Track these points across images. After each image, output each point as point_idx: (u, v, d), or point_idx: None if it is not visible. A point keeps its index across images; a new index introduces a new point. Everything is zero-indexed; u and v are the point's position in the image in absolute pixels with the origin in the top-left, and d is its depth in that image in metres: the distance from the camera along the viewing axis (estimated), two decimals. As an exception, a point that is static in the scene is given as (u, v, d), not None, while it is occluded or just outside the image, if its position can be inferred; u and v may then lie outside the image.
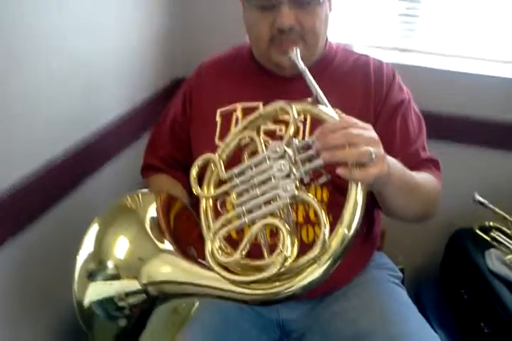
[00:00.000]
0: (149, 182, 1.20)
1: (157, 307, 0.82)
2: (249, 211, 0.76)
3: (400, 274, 1.19)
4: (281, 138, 0.99)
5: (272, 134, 1.02)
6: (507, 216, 1.39)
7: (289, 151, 0.75)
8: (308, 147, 0.75)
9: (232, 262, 0.73)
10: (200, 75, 1.17)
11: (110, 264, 0.80)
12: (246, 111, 1.06)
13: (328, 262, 0.69)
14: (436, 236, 1.56)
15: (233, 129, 0.85)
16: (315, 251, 0.69)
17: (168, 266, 0.81)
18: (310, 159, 0.74)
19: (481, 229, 1.42)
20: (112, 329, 0.81)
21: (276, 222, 0.72)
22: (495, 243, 1.38)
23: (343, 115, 0.78)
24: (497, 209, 1.40)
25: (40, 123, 1.04)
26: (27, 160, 1.02)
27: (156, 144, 1.21)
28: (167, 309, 0.85)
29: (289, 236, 0.70)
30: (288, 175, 0.73)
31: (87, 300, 0.78)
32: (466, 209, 1.44)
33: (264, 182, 0.76)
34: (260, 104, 1.06)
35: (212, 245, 0.75)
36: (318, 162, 0.72)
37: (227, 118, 1.07)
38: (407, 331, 0.97)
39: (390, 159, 0.80)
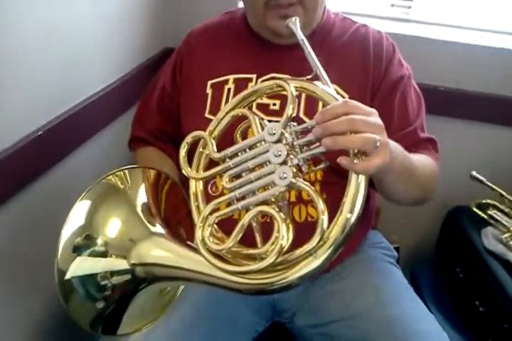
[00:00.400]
0: (137, 155, 1.16)
1: (141, 290, 0.79)
2: (242, 196, 0.71)
3: (395, 253, 1.17)
4: (274, 112, 0.97)
5: (264, 109, 0.98)
6: (504, 193, 1.36)
7: (287, 135, 0.69)
8: (307, 131, 0.69)
9: (224, 250, 0.69)
10: (190, 43, 1.11)
11: (100, 241, 0.78)
12: (238, 83, 1.01)
13: (328, 252, 0.65)
14: (432, 214, 1.53)
15: (225, 106, 0.79)
16: (313, 242, 0.64)
17: (160, 249, 0.79)
18: (309, 144, 0.68)
19: (478, 207, 1.38)
20: (89, 310, 0.78)
21: (270, 210, 0.67)
22: (492, 221, 1.35)
23: (347, 98, 0.73)
24: (494, 186, 1.36)
25: (20, 95, 0.99)
26: (8, 133, 0.98)
27: (144, 116, 1.17)
28: (153, 291, 0.82)
29: (284, 224, 0.65)
30: (285, 162, 0.68)
31: (69, 274, 0.76)
32: (463, 187, 1.40)
33: (258, 166, 0.70)
34: (254, 77, 1.01)
35: (203, 233, 0.71)
36: (319, 149, 0.67)
37: (218, 89, 1.02)
38: (401, 312, 0.95)
39: (392, 144, 0.75)
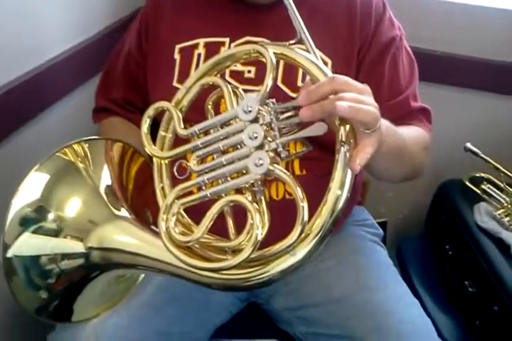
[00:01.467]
0: (101, 127, 1.07)
1: (91, 280, 0.74)
2: (212, 182, 0.63)
3: (381, 231, 1.11)
4: (249, 80, 0.88)
5: (238, 76, 0.89)
6: (500, 167, 1.29)
7: (265, 114, 0.60)
8: (288, 110, 0.61)
9: (192, 242, 0.63)
10: (156, 2, 1.01)
11: (52, 216, 0.72)
12: (210, 47, 0.92)
13: (309, 246, 0.59)
14: (423, 188, 1.46)
15: (194, 72, 0.70)
16: (292, 237, 0.58)
17: (125, 234, 0.73)
18: (290, 126, 0.61)
19: (471, 181, 1.32)
20: (33, 297, 0.72)
21: (243, 200, 0.60)
22: (485, 196, 1.29)
23: (330, 64, 0.64)
24: (489, 159, 1.29)
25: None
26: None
27: (109, 84, 1.07)
28: (109, 278, 0.77)
29: (257, 214, 0.58)
30: (261, 146, 0.60)
31: (12, 251, 0.69)
32: (457, 159, 1.33)
33: (231, 148, 0.62)
34: (227, 40, 0.92)
35: (167, 223, 0.63)
36: (302, 133, 0.60)
37: (187, 54, 0.93)
38: (383, 297, 0.90)
39: (383, 124, 0.67)
